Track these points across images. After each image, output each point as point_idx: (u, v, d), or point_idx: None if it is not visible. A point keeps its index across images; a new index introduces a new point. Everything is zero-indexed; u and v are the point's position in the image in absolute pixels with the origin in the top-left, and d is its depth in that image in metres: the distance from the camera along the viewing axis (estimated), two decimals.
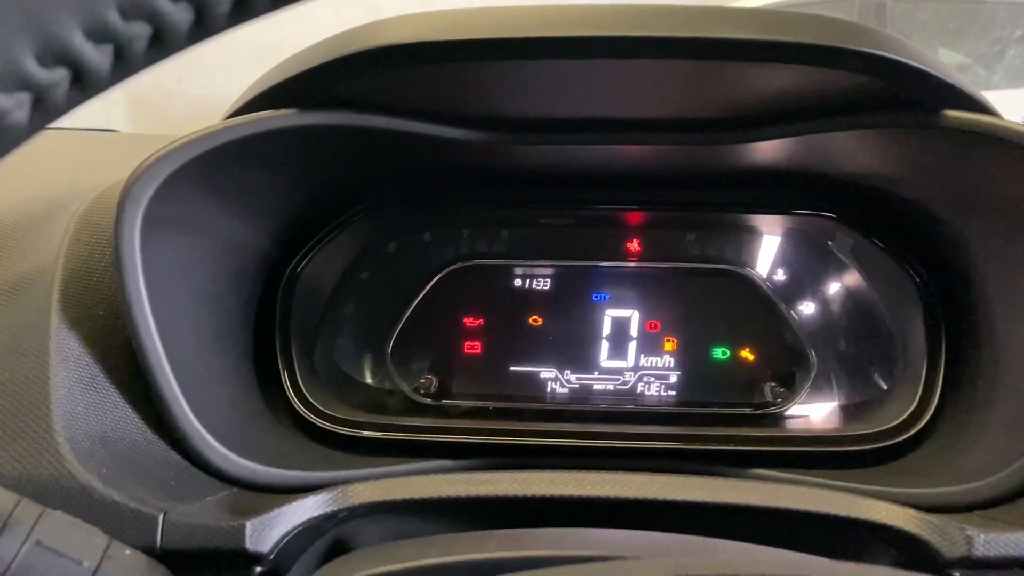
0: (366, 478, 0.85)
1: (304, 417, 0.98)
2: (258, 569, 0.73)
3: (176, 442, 0.82)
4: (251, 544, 0.71)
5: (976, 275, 0.93)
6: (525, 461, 0.94)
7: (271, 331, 1.01)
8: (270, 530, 0.73)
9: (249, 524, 0.72)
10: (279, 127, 0.82)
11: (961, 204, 0.92)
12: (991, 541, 0.71)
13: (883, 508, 0.76)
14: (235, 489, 0.83)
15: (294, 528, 0.75)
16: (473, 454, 0.94)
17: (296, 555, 0.78)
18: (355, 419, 0.98)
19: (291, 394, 0.99)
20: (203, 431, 0.82)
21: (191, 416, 0.81)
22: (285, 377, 1.00)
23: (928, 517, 0.74)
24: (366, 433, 0.96)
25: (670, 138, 0.93)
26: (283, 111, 0.82)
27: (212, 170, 0.83)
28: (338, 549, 0.82)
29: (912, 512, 0.75)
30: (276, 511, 0.74)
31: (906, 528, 0.74)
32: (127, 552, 0.55)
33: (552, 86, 0.87)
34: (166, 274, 0.82)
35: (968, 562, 0.71)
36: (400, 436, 0.96)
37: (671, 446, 0.95)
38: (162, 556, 0.70)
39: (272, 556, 0.73)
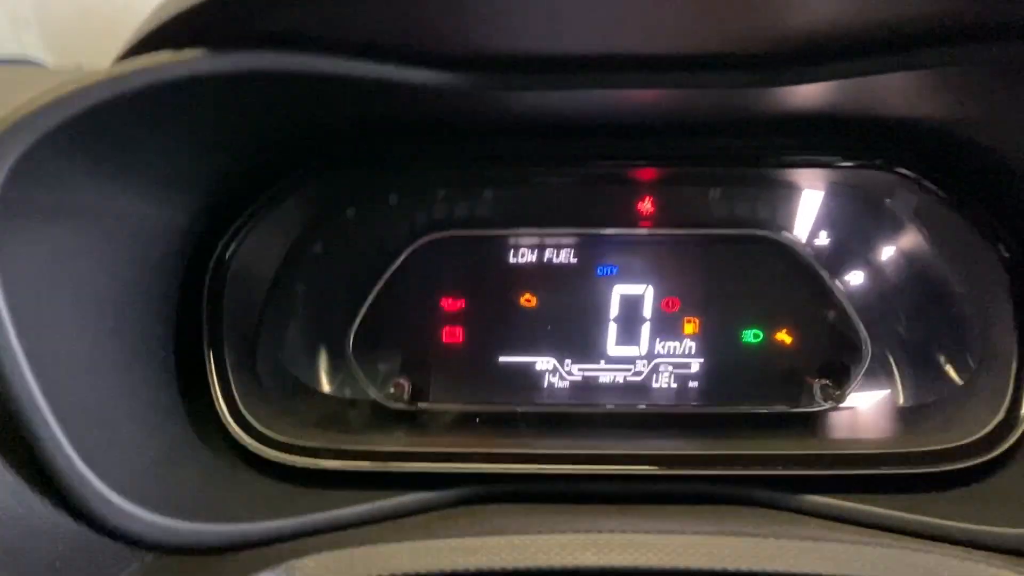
0: (325, 527, 0.67)
1: (243, 444, 0.78)
2: None
3: (64, 501, 0.61)
4: None
5: None
6: (520, 489, 0.76)
7: (198, 334, 0.80)
8: None
9: None
10: (184, 76, 0.60)
11: None
12: None
13: None
14: (149, 557, 0.64)
15: None
16: (457, 483, 0.76)
17: None
18: (310, 444, 0.78)
19: (225, 414, 0.79)
20: (98, 481, 0.62)
21: (79, 462, 0.60)
22: (217, 393, 0.79)
23: None
24: (322, 463, 0.77)
25: (700, 79, 0.71)
26: (188, 54, 0.60)
27: (96, 135, 0.61)
28: None
29: None
30: None
31: None
32: None
33: (546, 14, 0.65)
34: (39, 275, 0.61)
35: None
36: (366, 466, 0.76)
37: (698, 472, 0.76)
38: None
39: None
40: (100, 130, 0.61)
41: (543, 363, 0.93)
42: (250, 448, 0.77)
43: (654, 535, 0.60)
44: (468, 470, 0.76)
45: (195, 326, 0.80)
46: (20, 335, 0.58)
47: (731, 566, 0.58)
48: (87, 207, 0.66)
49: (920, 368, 0.86)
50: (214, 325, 0.80)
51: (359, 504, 0.72)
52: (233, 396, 0.79)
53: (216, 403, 0.79)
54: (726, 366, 0.92)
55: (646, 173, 0.91)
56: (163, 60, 0.60)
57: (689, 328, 0.93)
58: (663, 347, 0.93)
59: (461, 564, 0.58)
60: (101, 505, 0.62)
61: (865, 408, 0.86)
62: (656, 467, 0.76)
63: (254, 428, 0.78)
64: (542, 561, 0.59)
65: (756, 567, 0.57)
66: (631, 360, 0.93)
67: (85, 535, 0.62)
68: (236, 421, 0.79)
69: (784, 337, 0.91)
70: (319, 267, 0.90)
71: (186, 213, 0.77)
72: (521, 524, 0.69)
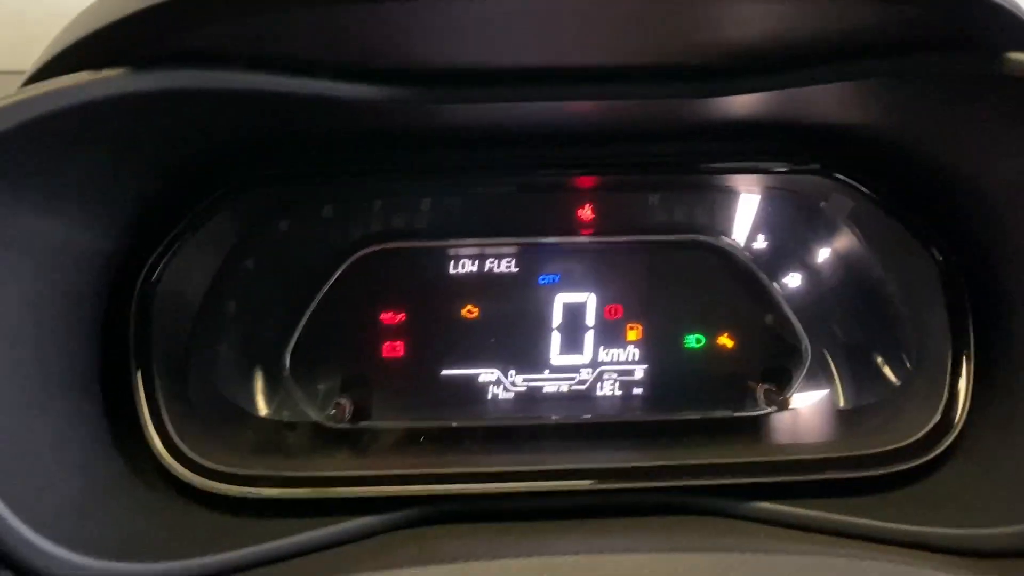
0: (267, 559, 0.65)
1: (176, 475, 0.74)
2: None
3: None
4: None
5: (1012, 254, 0.76)
6: (467, 509, 0.75)
7: (126, 361, 0.76)
8: None
9: None
10: (102, 96, 0.57)
11: (997, 165, 0.74)
12: None
13: None
14: None
15: None
16: (403, 505, 0.74)
17: None
18: (247, 472, 0.75)
19: (156, 444, 0.75)
20: (16, 521, 0.58)
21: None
22: (147, 421, 0.75)
23: None
24: (261, 492, 0.74)
25: (638, 91, 0.70)
26: (107, 73, 0.57)
27: (9, 161, 0.58)
28: None
29: None
30: None
31: None
32: None
33: (482, 26, 0.64)
34: None
35: None
36: (308, 493, 0.74)
37: (645, 485, 0.76)
38: None
39: None
40: (12, 156, 0.57)
41: (487, 375, 0.92)
42: (184, 478, 0.74)
43: (607, 555, 0.60)
44: (413, 493, 0.74)
45: (122, 353, 0.76)
46: None
47: None
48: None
49: (858, 370, 0.88)
50: (142, 351, 0.77)
51: (301, 533, 0.69)
52: (164, 424, 0.76)
53: (146, 432, 0.75)
54: (670, 372, 0.92)
55: (585, 181, 0.91)
56: (80, 80, 0.57)
57: (632, 335, 0.93)
58: (607, 355, 0.92)
59: None
60: (18, 546, 0.58)
61: (807, 411, 0.87)
62: (602, 481, 0.75)
63: (187, 457, 0.75)
64: None
65: None
66: (575, 369, 0.93)
67: None
68: (168, 450, 0.75)
69: (726, 341, 0.92)
70: (251, 284, 0.87)
71: (109, 235, 0.73)
72: (469, 547, 0.68)
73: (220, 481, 0.74)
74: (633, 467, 0.76)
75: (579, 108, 0.78)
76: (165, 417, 0.76)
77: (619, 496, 0.76)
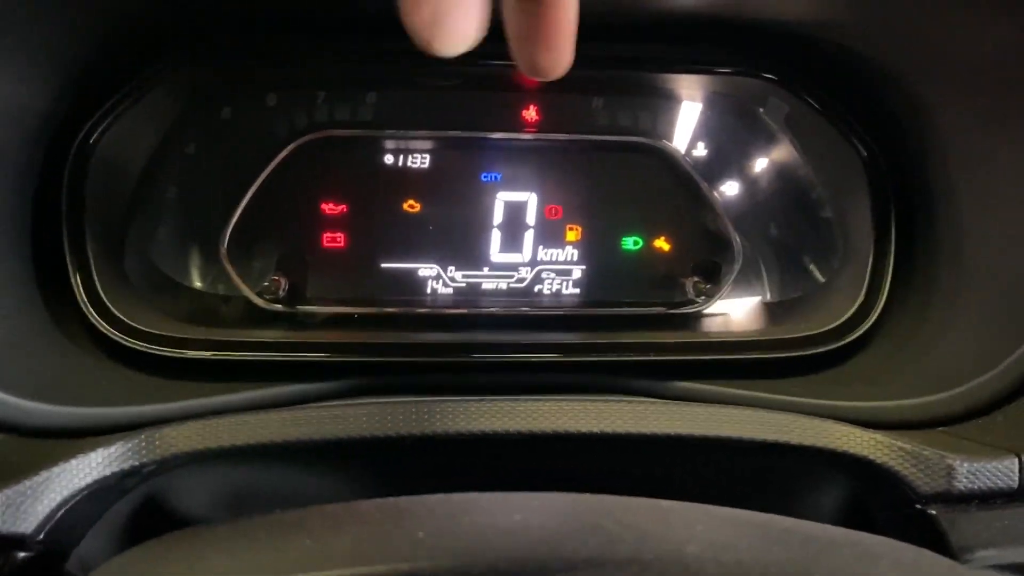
0: (185, 414, 0.65)
1: (104, 333, 0.74)
2: (20, 555, 0.51)
3: None
4: (5, 523, 0.50)
5: (937, 148, 0.78)
6: (401, 381, 0.76)
7: (58, 221, 0.75)
8: (35, 501, 0.51)
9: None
10: None
11: (926, 61, 0.76)
12: (976, 471, 0.58)
13: (842, 432, 0.62)
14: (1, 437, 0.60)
15: (75, 495, 0.53)
16: (336, 375, 0.74)
17: (85, 526, 0.57)
18: (176, 335, 0.75)
19: (85, 303, 0.74)
20: None
21: None
22: (76, 281, 0.75)
23: (898, 443, 0.60)
24: (191, 353, 0.74)
25: None
26: None
27: None
28: (149, 513, 0.61)
29: (879, 437, 0.61)
30: (43, 474, 0.52)
31: (872, 457, 0.60)
32: None
33: None
34: None
35: (947, 496, 0.58)
36: (238, 356, 0.74)
37: (576, 359, 0.78)
38: None
39: (41, 536, 0.52)
40: None
41: (426, 269, 0.92)
42: (112, 337, 0.74)
43: (525, 401, 0.61)
44: (348, 360, 0.74)
45: (55, 215, 0.75)
46: None
47: (582, 428, 0.59)
48: None
49: (787, 269, 0.90)
50: (75, 213, 0.76)
51: (231, 394, 0.70)
52: (95, 285, 0.75)
53: (75, 291, 0.75)
54: (607, 272, 0.94)
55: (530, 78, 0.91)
56: None
57: (571, 235, 0.94)
58: (546, 254, 0.94)
59: (336, 431, 0.58)
60: None
61: (735, 305, 0.90)
62: (534, 354, 0.77)
63: (117, 319, 0.75)
64: (413, 428, 0.59)
65: (615, 429, 0.59)
66: (514, 267, 0.94)
67: None
68: (97, 311, 0.75)
69: (662, 244, 0.94)
70: (192, 165, 0.86)
71: (46, 94, 0.72)
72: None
73: (148, 342, 0.74)
74: (565, 343, 0.78)
75: None
76: (95, 279, 0.75)
77: (550, 373, 0.77)
